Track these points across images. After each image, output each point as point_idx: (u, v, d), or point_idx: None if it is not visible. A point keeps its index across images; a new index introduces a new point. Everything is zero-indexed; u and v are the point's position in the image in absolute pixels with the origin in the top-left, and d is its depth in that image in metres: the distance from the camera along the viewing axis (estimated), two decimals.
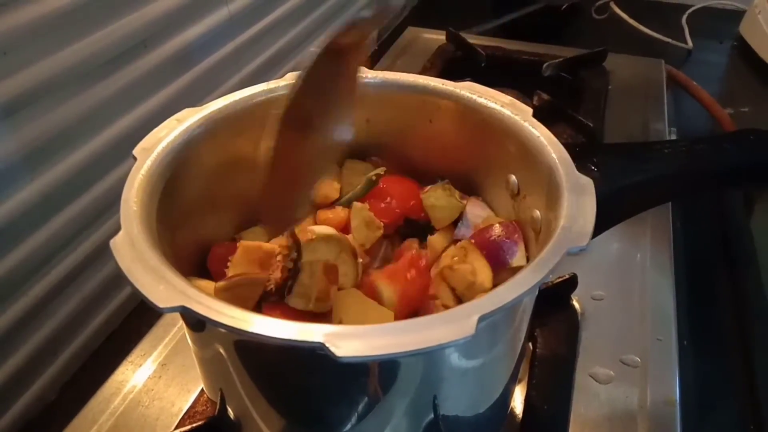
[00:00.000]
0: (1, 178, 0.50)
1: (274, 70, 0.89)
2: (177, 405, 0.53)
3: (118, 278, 0.64)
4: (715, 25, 1.34)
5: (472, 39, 1.10)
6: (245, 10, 0.79)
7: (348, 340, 0.30)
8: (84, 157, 0.58)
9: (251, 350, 0.37)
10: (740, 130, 0.56)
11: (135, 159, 0.40)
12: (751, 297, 0.74)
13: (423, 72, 1.02)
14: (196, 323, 0.39)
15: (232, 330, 0.31)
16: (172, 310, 0.31)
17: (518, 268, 0.45)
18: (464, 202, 0.51)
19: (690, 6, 1.36)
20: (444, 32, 1.12)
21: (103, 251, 0.62)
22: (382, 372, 0.36)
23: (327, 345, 0.29)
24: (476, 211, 0.52)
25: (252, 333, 0.30)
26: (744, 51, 1.23)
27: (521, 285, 0.34)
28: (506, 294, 0.33)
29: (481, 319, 0.31)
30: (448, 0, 1.45)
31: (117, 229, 0.62)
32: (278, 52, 0.88)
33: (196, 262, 0.47)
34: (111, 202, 0.62)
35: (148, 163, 0.40)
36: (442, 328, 0.31)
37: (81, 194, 0.59)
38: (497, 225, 0.48)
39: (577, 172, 0.41)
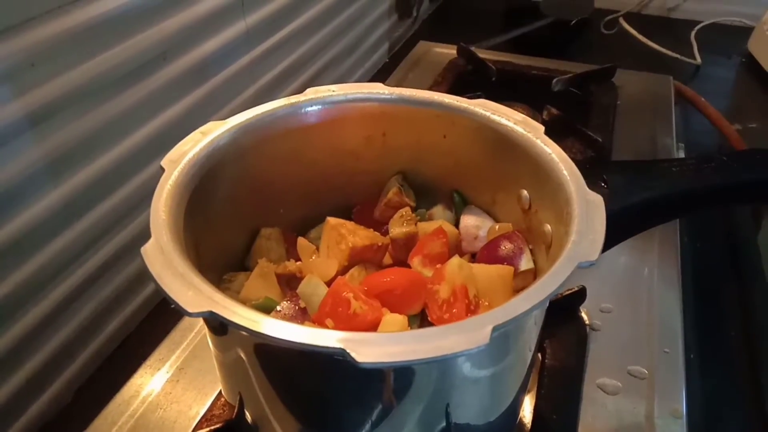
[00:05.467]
0: (25, 185, 0.52)
1: (288, 82, 0.90)
2: (194, 408, 0.54)
3: (134, 284, 0.66)
4: (724, 41, 1.35)
5: (483, 53, 1.11)
6: (261, 23, 0.80)
7: (367, 347, 0.31)
8: (104, 165, 0.59)
9: (271, 355, 0.38)
10: (747, 150, 0.57)
11: (163, 170, 0.42)
12: (758, 312, 0.75)
13: (434, 85, 1.04)
14: (219, 328, 0.40)
15: (255, 334, 0.32)
16: (200, 314, 0.32)
17: (527, 272, 0.48)
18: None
19: (699, 22, 1.38)
20: (455, 46, 1.14)
21: (121, 257, 0.64)
22: (398, 379, 0.37)
23: (347, 351, 0.30)
24: (470, 223, 0.54)
25: (274, 338, 0.32)
26: (752, 67, 1.24)
27: (533, 297, 0.35)
28: (519, 306, 0.34)
29: (494, 329, 0.32)
30: (458, 15, 1.47)
31: (135, 236, 0.64)
32: (293, 64, 0.90)
33: (218, 265, 0.49)
34: (131, 210, 0.64)
35: (176, 173, 0.41)
36: (457, 337, 0.32)
37: (102, 202, 0.60)
38: (502, 241, 0.50)
39: (587, 188, 0.43)
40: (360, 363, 0.30)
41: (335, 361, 0.32)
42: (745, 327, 0.73)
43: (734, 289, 0.78)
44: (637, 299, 0.65)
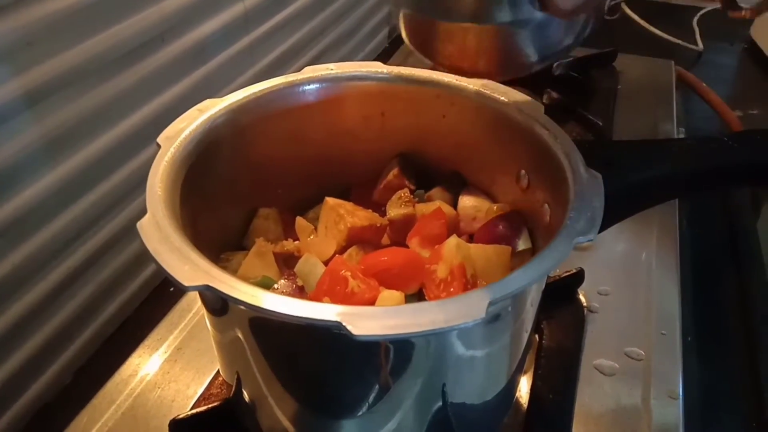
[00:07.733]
0: (22, 165, 0.51)
1: (288, 64, 0.90)
2: (192, 387, 0.54)
3: (133, 266, 0.66)
4: (726, 27, 1.33)
5: None
6: (260, 5, 0.80)
7: (364, 320, 0.31)
8: (102, 147, 0.59)
9: (269, 332, 0.38)
10: (747, 130, 0.57)
11: (159, 146, 0.41)
12: (756, 297, 0.75)
13: (434, 69, 1.03)
14: (217, 307, 0.40)
15: (253, 308, 0.32)
16: (197, 288, 0.32)
17: (524, 252, 0.48)
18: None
19: (701, 8, 1.37)
20: None
21: (120, 239, 0.64)
22: (395, 355, 0.37)
23: (344, 323, 0.30)
24: (469, 204, 0.54)
25: (272, 311, 0.32)
26: (754, 53, 1.24)
27: (530, 273, 0.35)
28: (516, 280, 0.34)
29: (491, 303, 0.32)
30: None
31: (133, 218, 0.63)
32: (292, 47, 0.90)
33: (216, 244, 0.49)
34: (129, 191, 0.63)
35: (172, 150, 0.41)
36: (453, 311, 0.32)
37: (100, 183, 0.60)
38: (500, 221, 0.50)
39: (586, 167, 0.42)
40: (356, 336, 0.30)
41: (332, 335, 0.32)
42: (742, 312, 0.73)
43: (732, 275, 0.78)
44: (635, 282, 0.65)
